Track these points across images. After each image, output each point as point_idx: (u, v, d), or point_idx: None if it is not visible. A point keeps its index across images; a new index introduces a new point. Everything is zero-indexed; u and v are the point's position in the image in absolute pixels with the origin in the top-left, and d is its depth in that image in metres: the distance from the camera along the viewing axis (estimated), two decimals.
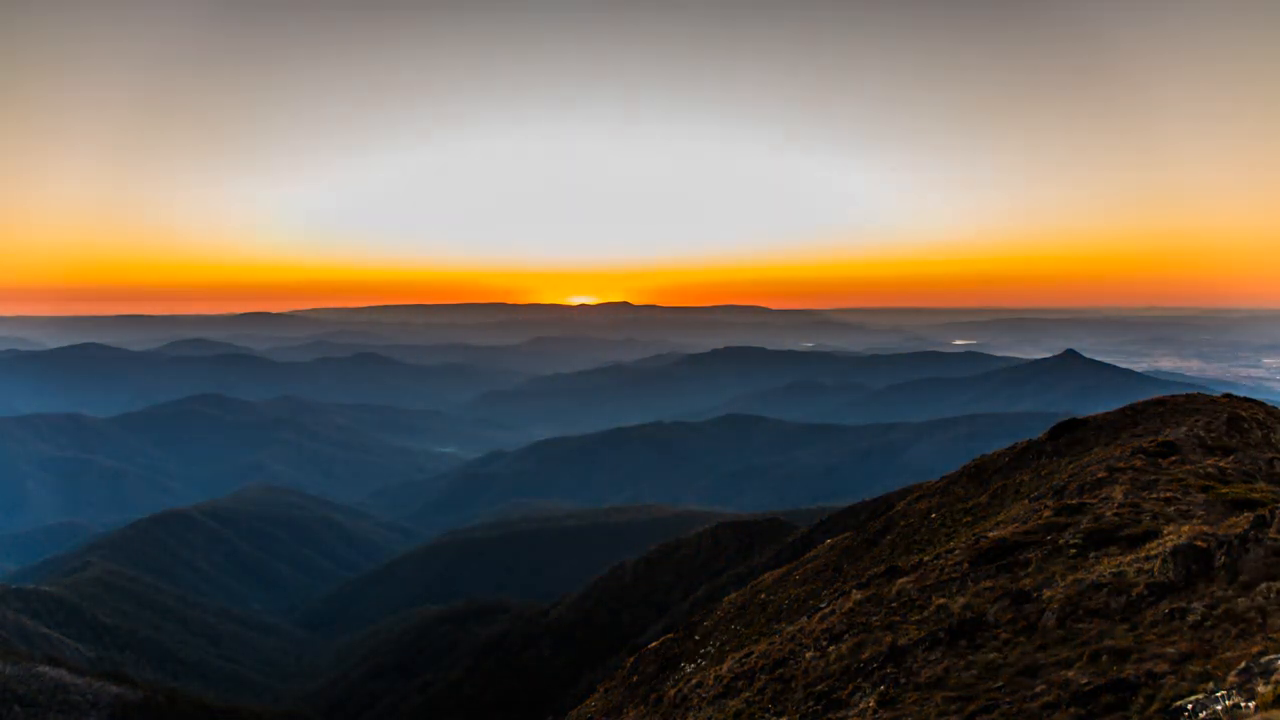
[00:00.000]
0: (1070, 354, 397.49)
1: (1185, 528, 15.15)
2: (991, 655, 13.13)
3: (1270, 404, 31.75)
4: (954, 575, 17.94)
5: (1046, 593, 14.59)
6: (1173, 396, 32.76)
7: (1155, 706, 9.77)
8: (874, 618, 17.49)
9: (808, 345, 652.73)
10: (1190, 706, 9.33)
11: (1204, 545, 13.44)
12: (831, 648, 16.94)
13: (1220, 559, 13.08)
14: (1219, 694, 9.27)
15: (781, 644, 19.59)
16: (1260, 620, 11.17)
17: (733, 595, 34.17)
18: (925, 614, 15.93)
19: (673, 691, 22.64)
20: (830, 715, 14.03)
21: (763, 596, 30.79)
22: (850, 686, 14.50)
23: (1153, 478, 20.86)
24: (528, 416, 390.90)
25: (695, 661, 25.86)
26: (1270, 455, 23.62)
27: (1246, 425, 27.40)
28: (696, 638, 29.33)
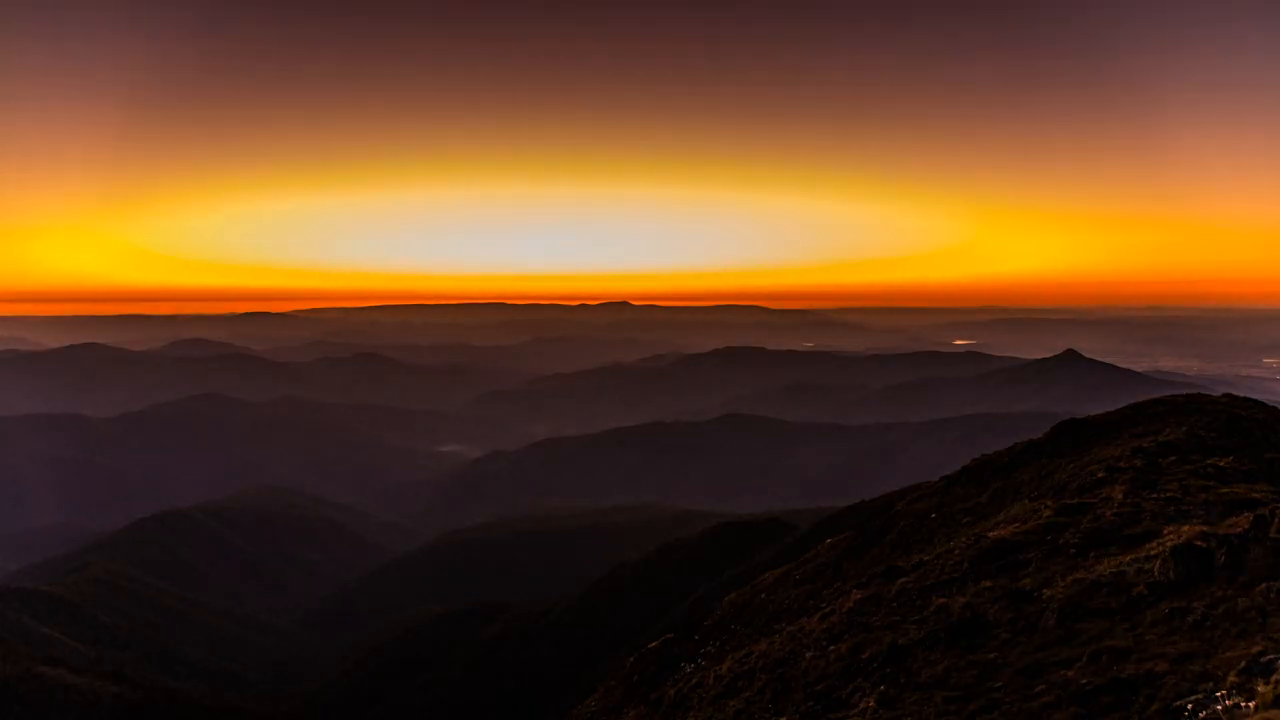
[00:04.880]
0: (1070, 354, 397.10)
1: (1185, 528, 15.15)
2: (991, 655, 13.13)
3: (1270, 404, 31.78)
4: (954, 575, 17.95)
5: (1046, 593, 14.61)
6: (1173, 396, 32.78)
7: (1155, 706, 9.77)
8: (874, 618, 17.50)
9: (808, 345, 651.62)
10: (1190, 706, 9.33)
11: (1204, 545, 13.44)
12: (831, 648, 16.93)
13: (1220, 559, 13.09)
14: (1219, 694, 9.27)
15: (781, 644, 19.59)
16: (1260, 620, 11.17)
17: (733, 595, 34.16)
18: (925, 614, 15.93)
19: (673, 691, 22.63)
20: (830, 715, 14.03)
21: (763, 596, 30.79)
22: (850, 686, 14.50)
23: (1153, 478, 20.88)
24: (528, 416, 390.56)
25: (695, 661, 25.85)
26: (1270, 455, 23.63)
27: (1246, 425, 27.43)
28: (696, 638, 29.32)
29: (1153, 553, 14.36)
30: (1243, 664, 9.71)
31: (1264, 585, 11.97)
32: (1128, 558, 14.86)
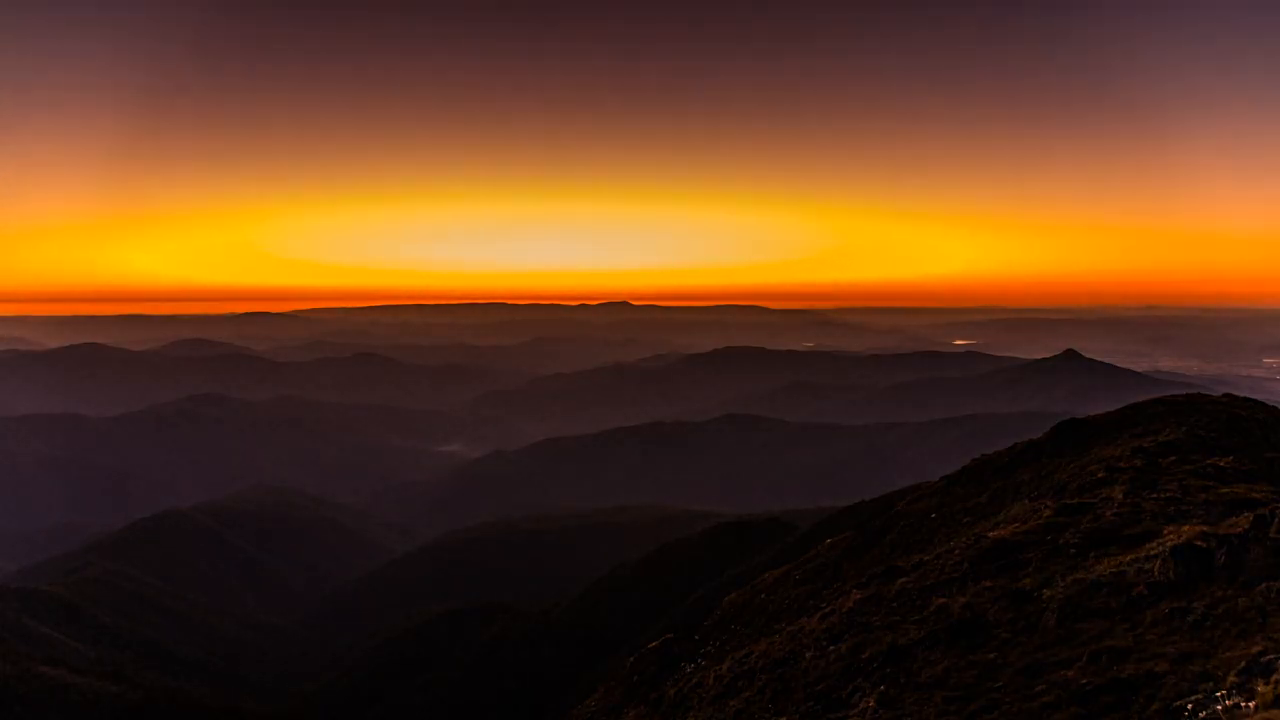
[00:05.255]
0: (1070, 354, 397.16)
1: (1185, 528, 15.15)
2: (991, 655, 13.13)
3: (1270, 404, 31.79)
4: (954, 575, 17.95)
5: (1046, 593, 14.61)
6: (1173, 396, 32.78)
7: (1155, 706, 9.78)
8: (874, 618, 17.50)
9: (808, 345, 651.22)
10: (1190, 706, 9.34)
11: (1204, 545, 13.45)
12: (831, 648, 16.94)
13: (1220, 559, 13.09)
14: (1219, 694, 9.28)
15: (781, 644, 19.59)
16: (1260, 620, 11.18)
17: (733, 595, 34.15)
18: (925, 614, 15.93)
19: (673, 691, 22.64)
20: (830, 715, 14.04)
21: (763, 596, 30.79)
22: (850, 686, 14.51)
23: (1153, 478, 20.87)
24: (528, 416, 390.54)
25: (695, 661, 25.85)
26: (1270, 455, 23.63)
27: (1246, 425, 27.43)
28: (696, 638, 29.32)
29: (1153, 553, 14.36)
30: (1243, 664, 9.71)
31: (1264, 585, 11.97)
32: (1128, 558, 14.86)
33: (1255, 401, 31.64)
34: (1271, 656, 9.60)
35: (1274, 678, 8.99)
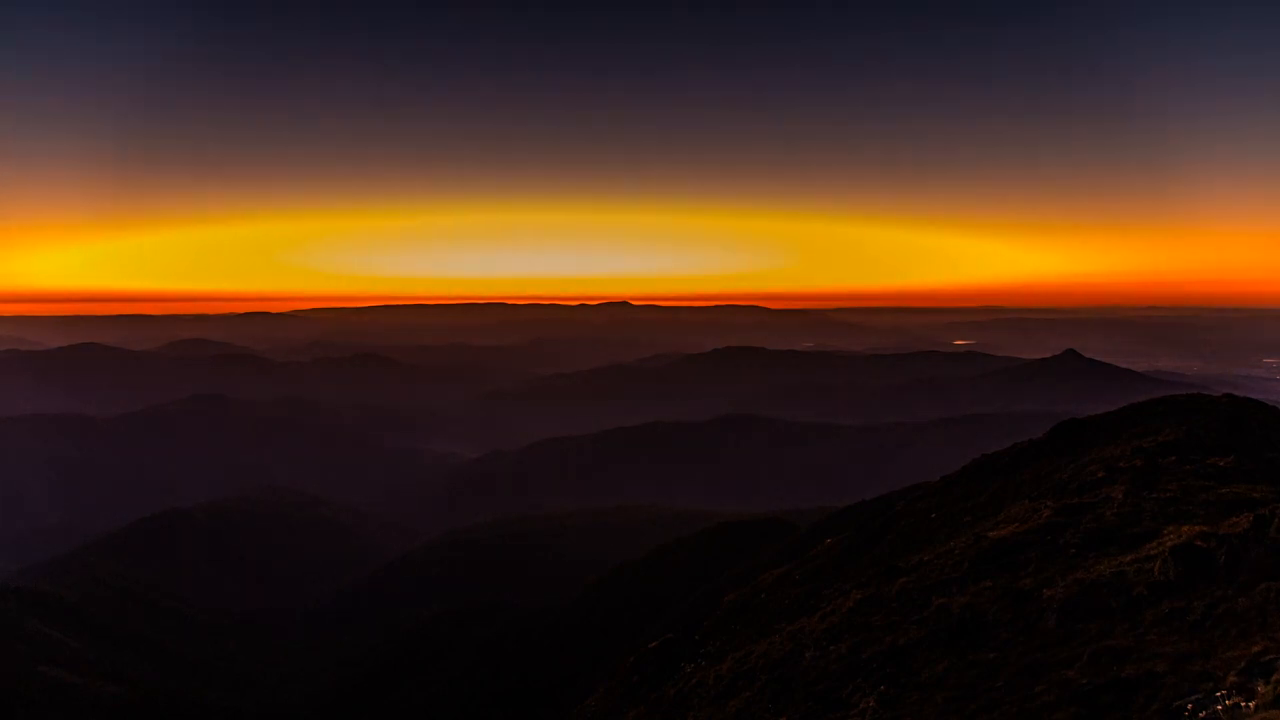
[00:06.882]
0: (1070, 354, 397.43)
1: (1185, 528, 15.16)
2: (991, 655, 13.14)
3: (1270, 404, 31.79)
4: (954, 575, 17.95)
5: (1046, 593, 14.60)
6: (1173, 396, 32.82)
7: (1155, 706, 9.78)
8: (874, 618, 17.51)
9: (808, 345, 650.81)
10: (1190, 706, 9.34)
11: (1204, 545, 13.46)
12: (831, 648, 16.95)
13: (1220, 559, 13.10)
14: (1219, 694, 9.29)
15: (781, 644, 19.60)
16: (1260, 620, 11.18)
17: (733, 595, 34.15)
18: (925, 614, 15.94)
19: (673, 691, 22.65)
20: (830, 715, 14.05)
21: (763, 596, 30.79)
22: (850, 686, 14.51)
23: (1153, 478, 20.87)
24: (528, 416, 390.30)
25: (695, 661, 25.84)
26: (1270, 455, 23.62)
27: (1246, 425, 27.42)
28: (696, 638, 29.32)
29: (1153, 553, 14.37)
30: (1243, 664, 9.72)
31: (1264, 585, 11.98)
32: (1128, 558, 14.86)
33: (1255, 401, 31.63)
34: (1271, 656, 9.61)
35: (1274, 678, 9.00)
